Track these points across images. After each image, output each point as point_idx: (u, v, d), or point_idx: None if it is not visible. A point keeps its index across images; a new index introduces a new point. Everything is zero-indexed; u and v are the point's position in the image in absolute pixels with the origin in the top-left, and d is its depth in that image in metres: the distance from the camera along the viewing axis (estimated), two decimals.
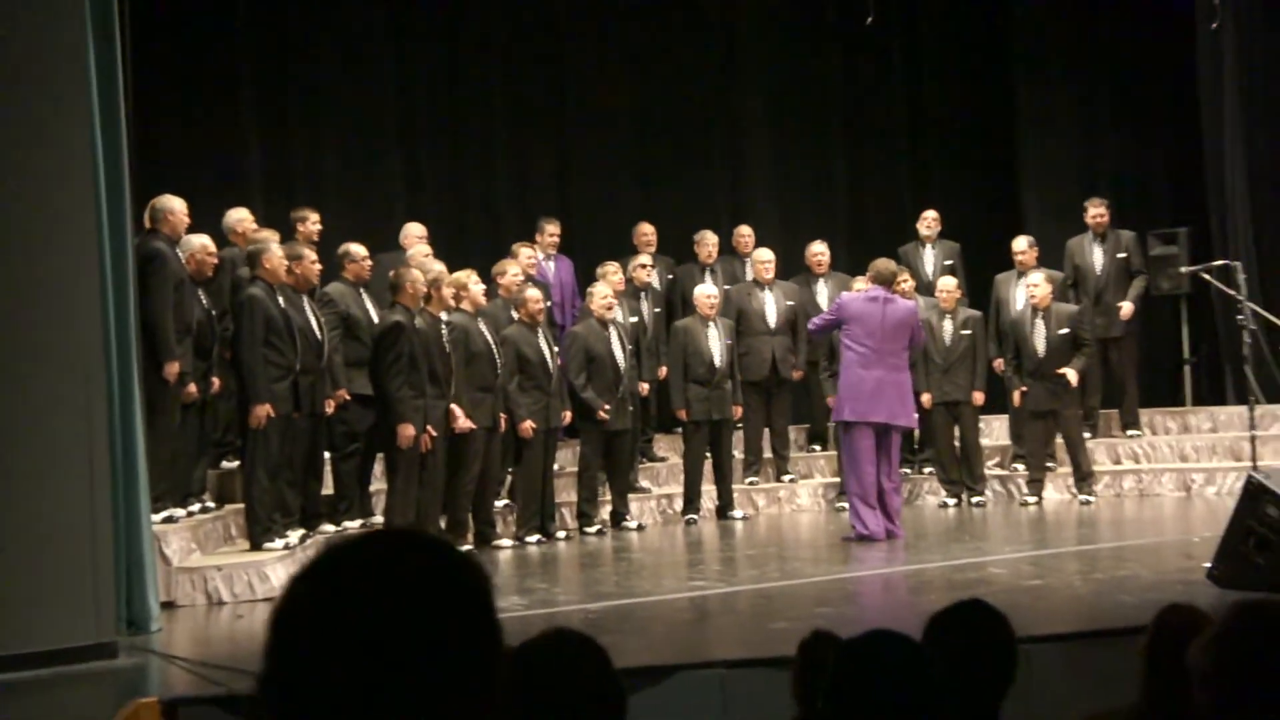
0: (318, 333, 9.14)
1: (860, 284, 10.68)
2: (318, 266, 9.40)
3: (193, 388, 8.75)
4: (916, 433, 11.80)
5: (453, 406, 9.53)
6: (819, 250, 12.29)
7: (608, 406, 10.57)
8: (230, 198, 10.65)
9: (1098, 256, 12.26)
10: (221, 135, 12.21)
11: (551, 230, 11.99)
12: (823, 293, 12.06)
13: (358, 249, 9.94)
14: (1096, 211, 12.26)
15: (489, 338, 10.00)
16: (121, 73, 7.15)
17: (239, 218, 9.99)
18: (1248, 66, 12.61)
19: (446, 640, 1.50)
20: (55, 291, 6.51)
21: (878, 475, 9.79)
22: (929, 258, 12.62)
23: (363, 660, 1.47)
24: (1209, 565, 7.23)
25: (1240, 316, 10.32)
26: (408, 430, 9.13)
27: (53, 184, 6.55)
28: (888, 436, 9.91)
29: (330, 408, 9.33)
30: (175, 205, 8.82)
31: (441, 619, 1.51)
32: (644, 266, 11.81)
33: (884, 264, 10.28)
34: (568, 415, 10.54)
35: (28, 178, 6.48)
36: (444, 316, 9.65)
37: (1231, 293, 10.60)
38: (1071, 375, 11.16)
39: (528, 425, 10.18)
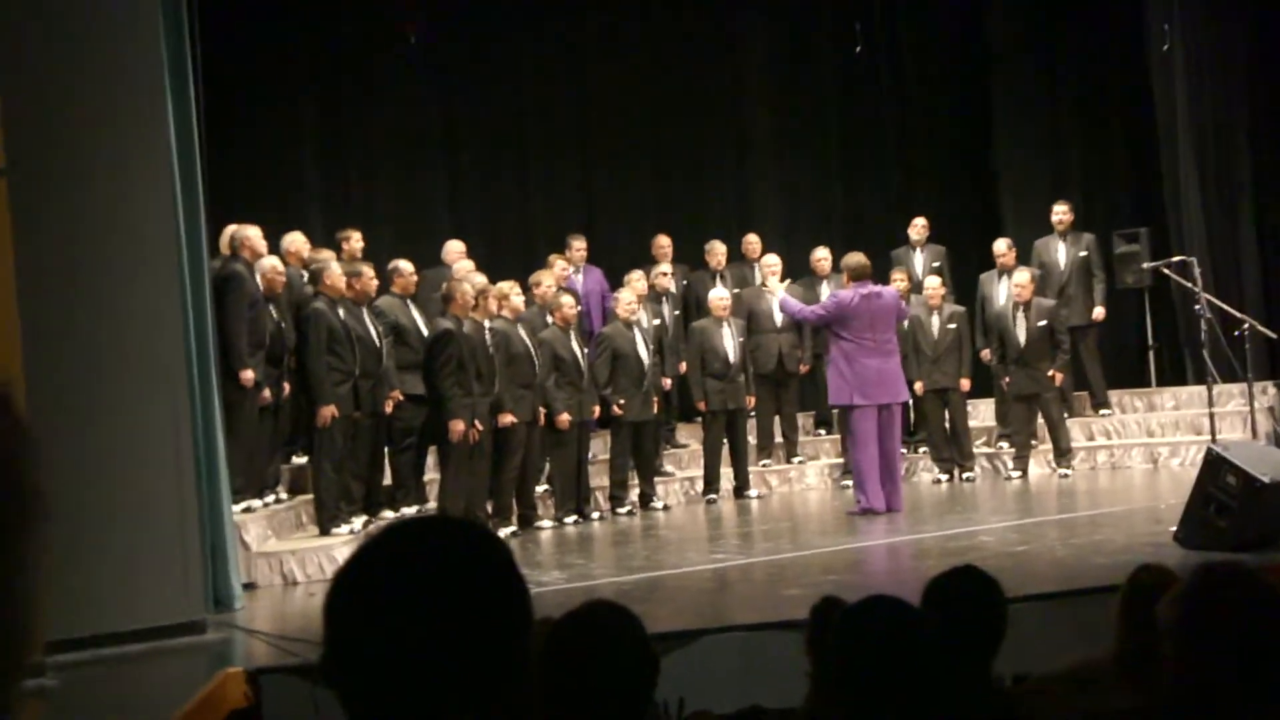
0: (376, 340, 9.19)
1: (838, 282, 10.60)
2: (375, 281, 9.45)
3: (266, 393, 8.81)
4: (912, 416, 11.80)
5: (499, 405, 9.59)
6: (822, 255, 12.28)
7: (622, 401, 10.58)
8: (289, 219, 10.69)
9: (1061, 254, 12.26)
10: (282, 163, 12.33)
11: (578, 245, 12.02)
12: (825, 293, 12.04)
13: (405, 265, 9.98)
14: (1061, 211, 12.29)
15: (528, 341, 10.03)
16: (195, 106, 7.19)
17: (292, 239, 10.04)
18: (1196, 83, 12.58)
19: (480, 611, 1.52)
20: (142, 310, 6.56)
21: (880, 454, 9.78)
22: (919, 260, 12.60)
23: (406, 631, 1.49)
24: (1175, 529, 7.21)
25: (1197, 306, 10.29)
26: (458, 425, 9.17)
27: (139, 215, 6.59)
28: (890, 415, 9.89)
29: (389, 407, 9.37)
30: (252, 233, 8.96)
31: (475, 592, 1.53)
32: (665, 274, 11.83)
33: (855, 260, 10.16)
34: (597, 409, 10.55)
35: (117, 209, 6.52)
36: (487, 323, 9.68)
37: (1189, 285, 10.56)
38: (1058, 377, 11.31)
39: (564, 418, 10.19)
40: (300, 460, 9.79)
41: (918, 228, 12.72)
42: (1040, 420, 11.55)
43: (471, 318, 9.49)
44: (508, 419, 9.67)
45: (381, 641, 1.50)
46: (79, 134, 6.49)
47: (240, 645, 6.33)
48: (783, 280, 11.88)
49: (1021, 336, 11.28)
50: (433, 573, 1.53)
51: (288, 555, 8.23)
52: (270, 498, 9.03)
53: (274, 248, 9.68)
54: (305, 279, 9.44)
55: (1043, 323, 11.27)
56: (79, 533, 6.23)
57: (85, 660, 6.00)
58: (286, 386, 9.19)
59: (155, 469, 6.45)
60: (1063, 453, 11.37)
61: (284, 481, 9.54)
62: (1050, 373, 11.27)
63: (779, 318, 11.84)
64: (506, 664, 1.54)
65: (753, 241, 12.59)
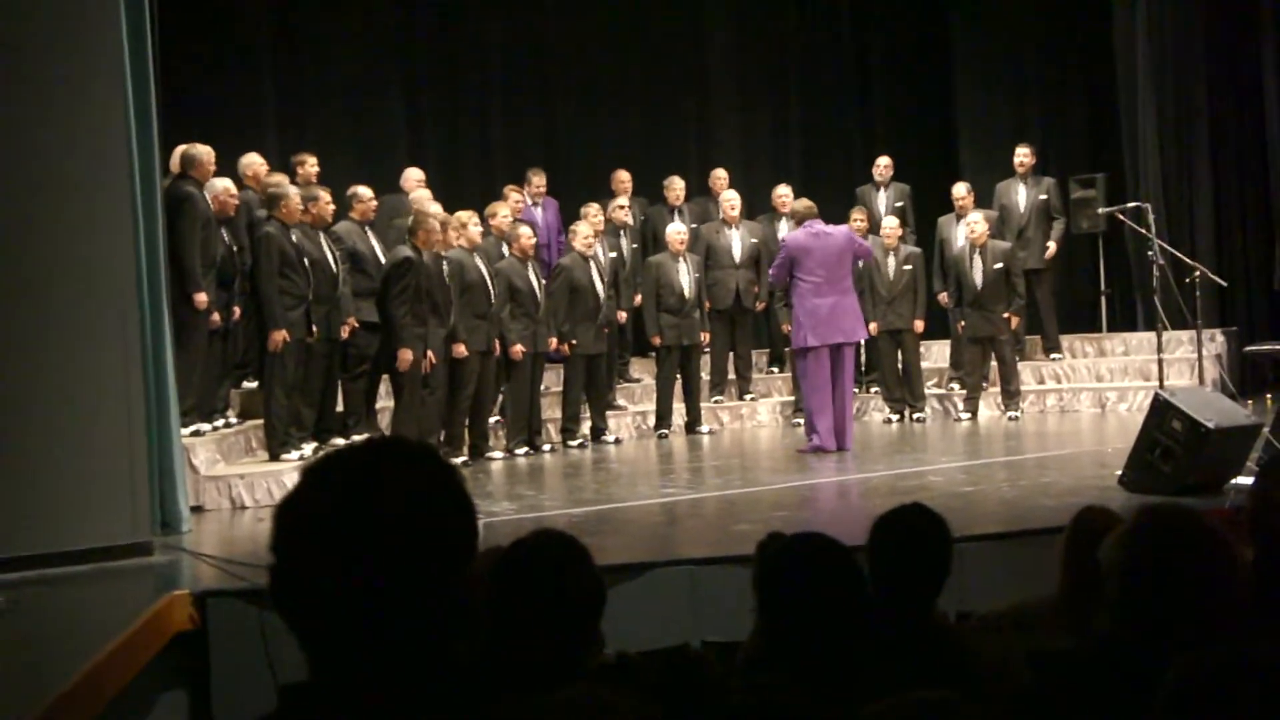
0: (333, 266, 9.12)
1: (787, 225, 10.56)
2: (331, 206, 9.36)
3: (216, 316, 8.73)
4: (864, 357, 11.85)
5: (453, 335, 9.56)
6: (783, 192, 12.26)
7: (574, 341, 10.57)
8: (246, 141, 10.57)
9: (1022, 196, 12.33)
10: (239, 85, 12.17)
11: (537, 181, 11.94)
12: (784, 230, 12.04)
13: (365, 191, 9.88)
14: (1023, 154, 12.34)
15: (484, 271, 9.98)
16: (150, 29, 7.06)
17: (251, 161, 9.97)
18: (1158, 30, 12.59)
19: (426, 534, 1.52)
20: (92, 230, 6.45)
21: (831, 392, 9.82)
22: (882, 199, 12.62)
23: (353, 553, 1.49)
24: (1120, 472, 7.29)
25: (1150, 253, 10.33)
26: (407, 355, 9.15)
27: (88, 133, 6.47)
28: (841, 355, 9.90)
29: (345, 333, 9.32)
30: (203, 153, 8.84)
31: (422, 515, 1.53)
32: (622, 208, 11.79)
33: (801, 204, 10.18)
34: (553, 341, 10.53)
35: (66, 128, 6.40)
36: (444, 253, 9.62)
37: (1143, 232, 10.60)
38: (1014, 321, 11.44)
39: (518, 349, 10.17)
40: (251, 385, 9.73)
41: (880, 167, 12.73)
42: (993, 363, 11.64)
43: (428, 247, 9.43)
44: (461, 350, 9.64)
45: (328, 564, 1.50)
46: (30, 52, 6.35)
47: (187, 568, 6.30)
48: (742, 218, 11.89)
49: (978, 279, 11.34)
50: (379, 495, 1.52)
51: (236, 480, 8.20)
52: (220, 422, 8.98)
53: (230, 170, 9.58)
54: (261, 202, 9.34)
55: (999, 265, 11.33)
56: (25, 451, 6.19)
57: (29, 580, 5.97)
58: (237, 310, 9.11)
59: (104, 390, 6.39)
60: (1012, 395, 11.47)
61: (235, 406, 9.49)
62: (1006, 315, 11.36)
63: (737, 253, 11.84)
64: (453, 585, 1.54)
65: (720, 176, 12.55)
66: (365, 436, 8.82)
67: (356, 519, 1.50)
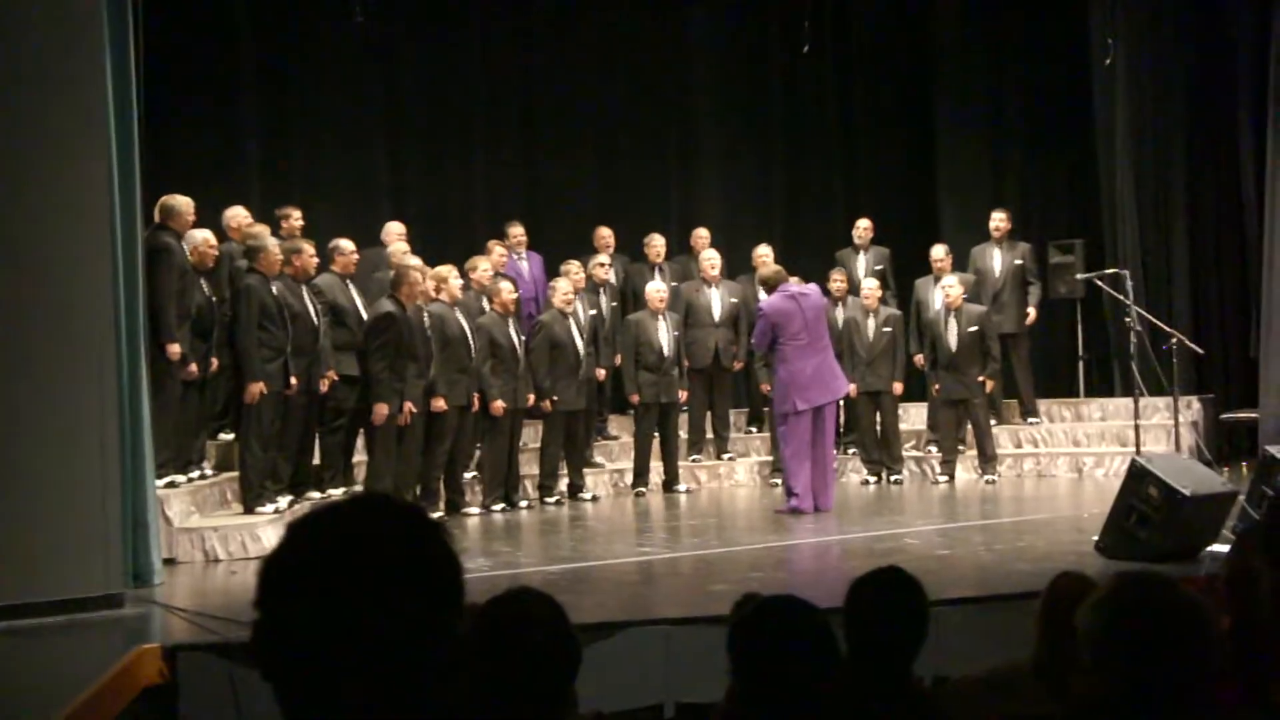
0: (314, 318, 9.12)
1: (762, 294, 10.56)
2: (315, 259, 9.38)
3: (193, 367, 8.71)
4: (842, 418, 11.85)
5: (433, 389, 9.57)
6: (763, 252, 12.29)
7: (555, 399, 10.57)
8: (230, 194, 10.60)
9: (997, 261, 12.39)
10: (223, 137, 12.19)
11: (515, 232, 11.98)
12: (763, 291, 12.07)
13: (346, 244, 9.89)
14: (999, 219, 12.42)
15: (465, 325, 9.99)
16: (135, 78, 7.10)
17: (234, 214, 10.00)
18: (1136, 98, 12.75)
19: (414, 591, 1.52)
20: (72, 279, 6.46)
21: (811, 453, 9.82)
22: (861, 262, 12.68)
23: (340, 608, 1.49)
24: (1096, 538, 7.30)
25: (1128, 319, 10.43)
26: (383, 409, 9.15)
27: (71, 182, 6.49)
28: (822, 415, 9.91)
29: (324, 386, 9.30)
30: (182, 203, 8.83)
31: (410, 572, 1.53)
32: (603, 265, 11.83)
33: (770, 270, 10.29)
34: (532, 398, 10.52)
35: (49, 176, 6.42)
36: (425, 307, 9.64)
37: (1121, 298, 10.70)
38: (989, 384, 11.47)
39: (499, 405, 10.16)
40: (228, 437, 9.69)
41: (860, 230, 12.80)
42: (969, 426, 11.67)
43: (410, 301, 9.45)
44: (440, 404, 9.63)
45: (314, 620, 1.49)
46: (15, 102, 6.38)
47: (158, 621, 6.26)
48: (723, 277, 11.95)
49: (952, 342, 11.39)
50: (365, 551, 1.52)
51: (210, 532, 8.14)
52: (195, 473, 8.93)
53: (214, 221, 9.59)
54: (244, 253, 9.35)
55: (974, 328, 11.39)
56: None
57: None
58: (214, 361, 9.09)
59: (79, 440, 6.36)
60: (988, 459, 11.49)
61: (211, 458, 9.44)
62: (980, 379, 11.40)
63: (717, 312, 11.88)
64: (438, 643, 1.54)
65: (702, 235, 12.59)
66: (349, 492, 8.79)
67: (342, 575, 1.50)
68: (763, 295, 11.28)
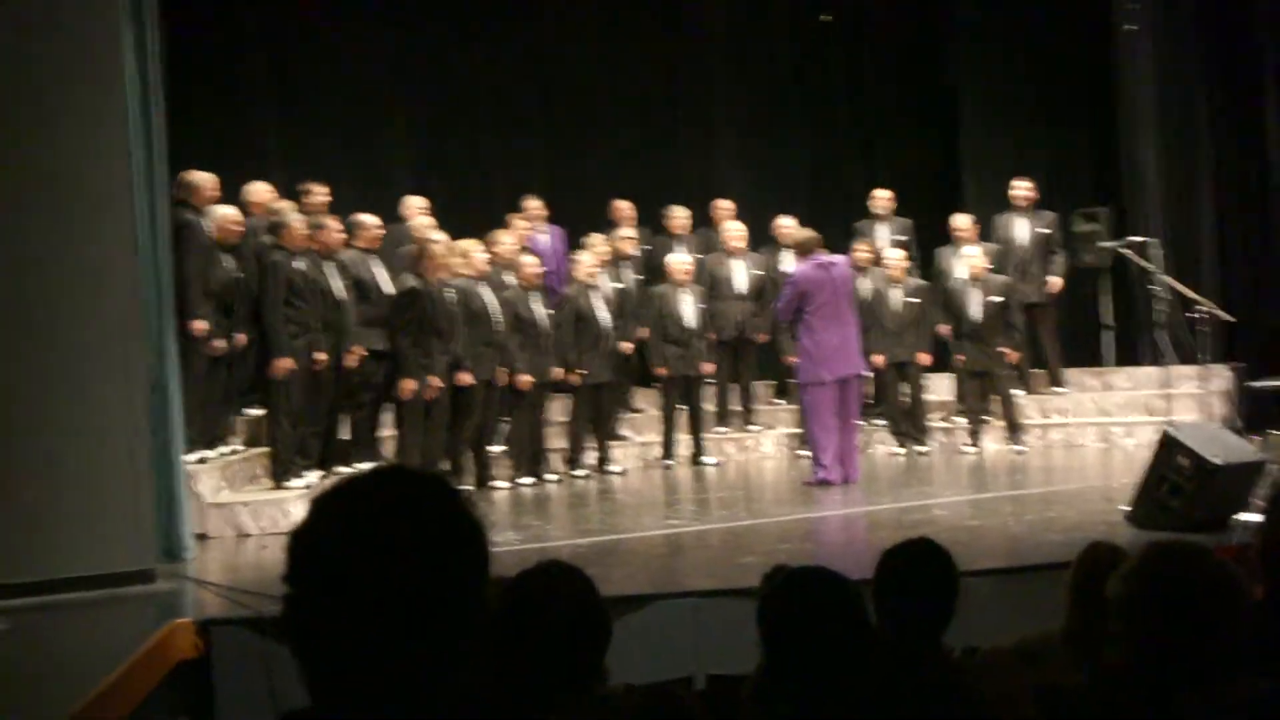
0: (340, 293, 9.14)
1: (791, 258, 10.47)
2: (341, 235, 9.38)
3: (219, 343, 8.73)
4: (871, 389, 11.83)
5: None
6: (785, 223, 12.26)
7: (584, 372, 10.56)
8: (249, 172, 10.60)
9: (1022, 231, 12.28)
10: (241, 115, 12.20)
11: (533, 205, 11.94)
12: (787, 262, 12.04)
13: (369, 219, 9.89)
14: (1023, 188, 12.31)
15: (490, 299, 10.00)
16: (156, 60, 7.11)
17: (255, 189, 9.99)
18: (1159, 63, 12.62)
19: (441, 561, 1.53)
20: (98, 258, 6.48)
21: (838, 425, 9.81)
22: (882, 233, 12.61)
23: (367, 579, 1.49)
24: (1126, 508, 7.28)
25: (1154, 287, 10.36)
26: (410, 384, 9.18)
27: (97, 160, 6.51)
28: (848, 386, 9.91)
29: (351, 361, 9.31)
30: (202, 179, 8.84)
31: (437, 542, 1.53)
32: (627, 238, 11.80)
33: (804, 235, 10.19)
34: (560, 371, 10.52)
35: (72, 157, 6.44)
36: (450, 281, 9.65)
37: (1147, 266, 10.63)
38: (1012, 356, 11.42)
39: (526, 378, 10.17)
40: (257, 412, 9.73)
41: (880, 200, 12.73)
42: (995, 395, 11.64)
43: (435, 276, 9.45)
44: (466, 378, 9.64)
45: (341, 593, 1.50)
46: (37, 82, 6.39)
47: (190, 596, 6.30)
48: (746, 249, 11.93)
49: (976, 312, 11.34)
50: (389, 523, 1.52)
51: (240, 507, 8.20)
52: (225, 449, 8.98)
53: (235, 198, 9.60)
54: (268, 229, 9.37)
55: (997, 299, 11.33)
56: (30, 477, 6.19)
57: (33, 606, 5.96)
58: (241, 337, 9.12)
59: (109, 416, 6.40)
60: (1015, 429, 11.46)
61: (241, 433, 9.49)
62: (1004, 351, 11.34)
63: (741, 284, 11.85)
64: (464, 612, 1.54)
65: (724, 207, 12.55)
66: (372, 465, 8.88)
67: (368, 547, 1.51)
68: (788, 264, 11.28)
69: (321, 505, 1.56)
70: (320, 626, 1.51)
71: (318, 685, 1.53)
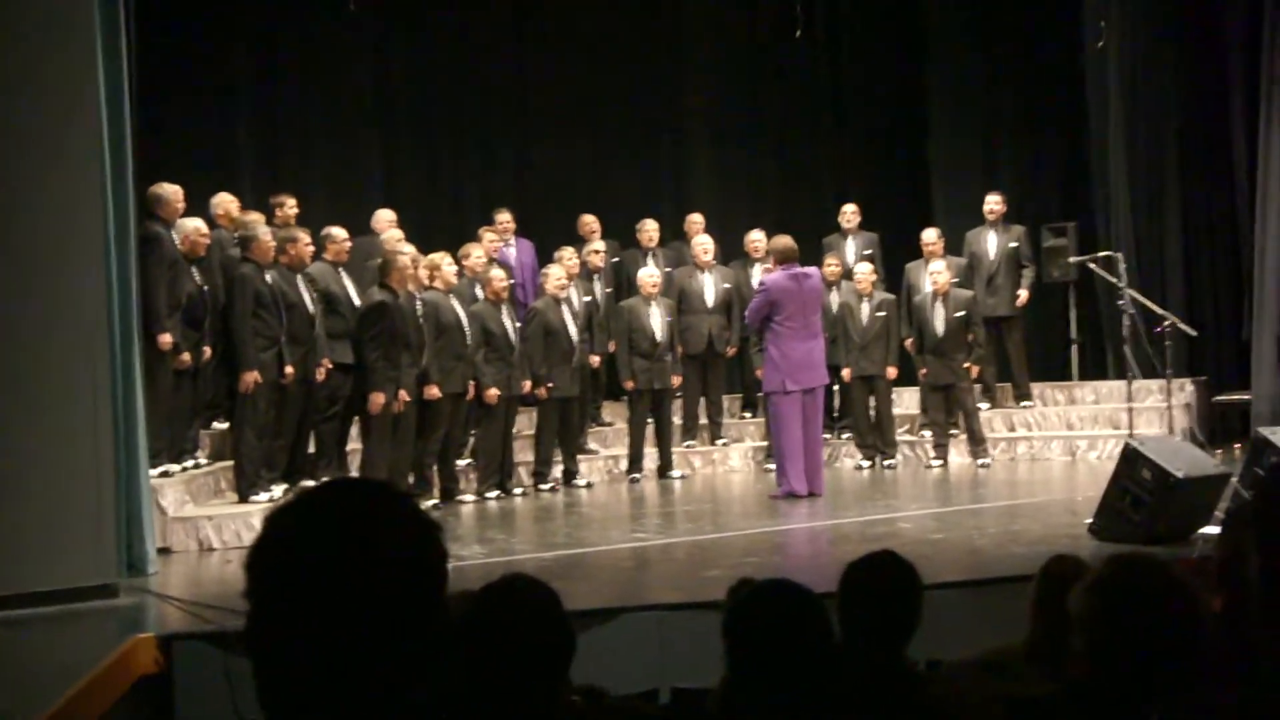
0: (309, 307, 9.11)
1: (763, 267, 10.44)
2: (311, 248, 9.36)
3: (185, 356, 8.69)
4: (836, 402, 11.87)
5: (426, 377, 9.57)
6: (756, 238, 12.30)
7: (551, 385, 10.54)
8: (221, 183, 10.56)
9: (991, 244, 12.37)
10: (215, 127, 12.17)
11: (503, 219, 11.98)
12: (757, 276, 12.08)
13: (338, 232, 9.87)
14: (993, 202, 12.40)
15: (460, 312, 9.99)
16: (127, 68, 7.08)
17: (221, 200, 9.96)
18: (1128, 80, 12.73)
19: (396, 573, 1.52)
20: (62, 271, 6.45)
21: (803, 438, 9.84)
22: (850, 247, 12.66)
23: (323, 594, 1.49)
24: (1090, 521, 7.32)
25: (1121, 302, 10.44)
26: (379, 398, 9.14)
27: (64, 172, 6.47)
28: (813, 398, 9.94)
29: (320, 375, 9.28)
30: (170, 192, 8.83)
31: (391, 554, 1.53)
32: (597, 252, 11.82)
33: (783, 243, 10.18)
34: (527, 385, 10.51)
35: (41, 168, 6.40)
36: (418, 295, 9.63)
37: (1114, 280, 10.71)
38: (974, 370, 11.49)
39: (493, 392, 10.16)
40: (222, 425, 9.68)
41: (847, 215, 12.79)
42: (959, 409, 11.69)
43: (403, 288, 9.43)
44: (434, 392, 9.62)
45: (298, 609, 1.50)
46: (6, 91, 6.35)
47: (153, 611, 6.26)
48: (716, 263, 11.96)
49: (939, 326, 11.39)
50: (341, 537, 1.52)
51: (204, 521, 8.15)
52: (189, 462, 8.93)
53: (203, 210, 9.57)
54: (235, 241, 9.33)
55: (960, 313, 11.39)
56: None
57: None
58: (207, 350, 9.09)
59: (72, 430, 6.36)
60: (978, 442, 11.50)
61: (206, 447, 9.44)
62: (966, 365, 11.38)
63: (710, 298, 11.87)
64: (422, 626, 1.54)
65: (695, 221, 12.58)
66: (324, 479, 8.83)
67: (321, 562, 1.50)
68: (757, 278, 11.30)
69: (272, 522, 1.56)
70: (278, 642, 1.51)
71: (274, 701, 1.53)
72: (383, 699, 1.51)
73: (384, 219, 11.12)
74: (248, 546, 1.56)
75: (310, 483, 9.15)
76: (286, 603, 1.50)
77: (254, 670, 1.52)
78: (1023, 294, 12.22)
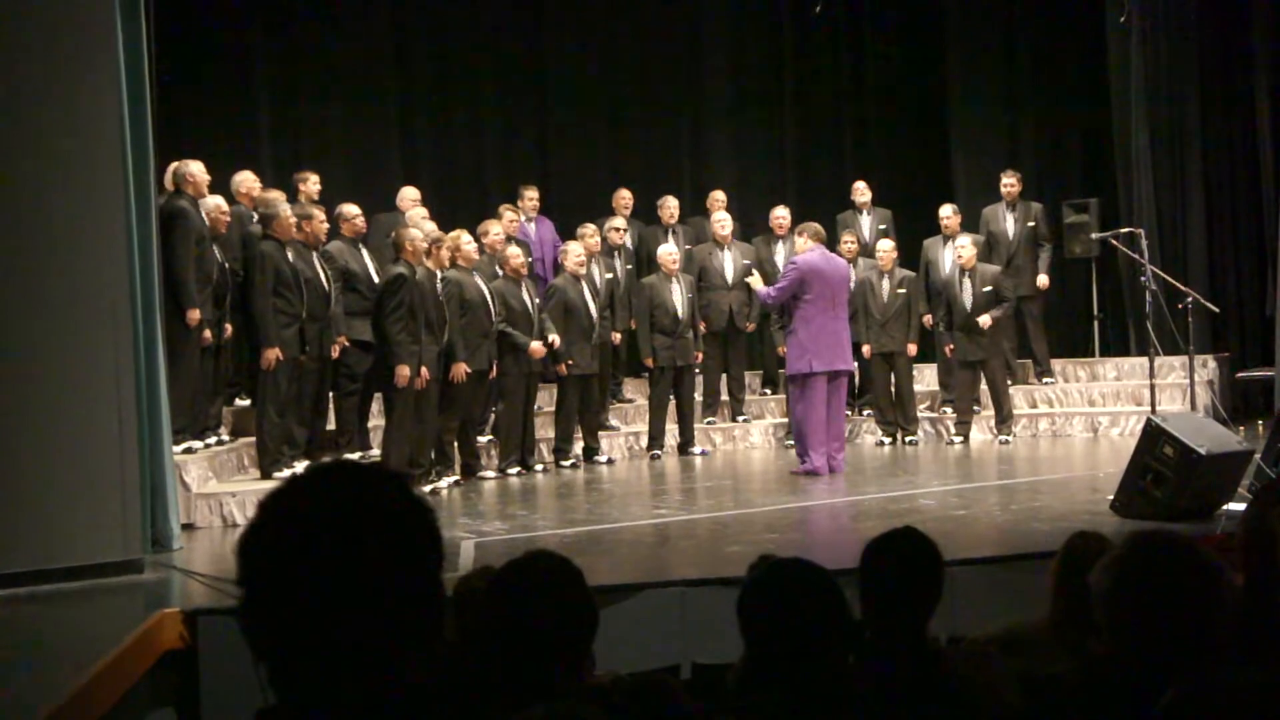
0: (325, 284, 9.13)
1: (801, 242, 10.40)
2: (326, 225, 9.38)
3: (208, 333, 8.74)
4: (856, 379, 11.85)
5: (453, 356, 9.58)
6: (781, 214, 12.29)
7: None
8: (240, 161, 10.58)
9: (1009, 224, 12.34)
10: (234, 103, 12.21)
11: (530, 195, 11.98)
12: (780, 253, 12.08)
13: (351, 209, 9.87)
14: (1008, 182, 12.38)
15: (484, 289, 9.98)
16: (146, 45, 7.08)
17: (242, 178, 9.99)
18: (1151, 54, 12.67)
19: (391, 555, 1.52)
20: (85, 248, 6.45)
21: (825, 415, 9.84)
22: (865, 223, 12.64)
23: (318, 578, 1.49)
24: (1112, 497, 7.30)
25: (1143, 278, 10.38)
26: (404, 371, 9.12)
27: (84, 148, 6.48)
28: (838, 379, 9.96)
29: (335, 352, 9.32)
30: (196, 169, 8.87)
31: (385, 536, 1.53)
32: (617, 229, 11.81)
33: (816, 225, 10.22)
34: (538, 345, 10.47)
35: (62, 144, 6.41)
36: (439, 272, 9.63)
37: (1136, 257, 10.65)
38: (984, 319, 11.30)
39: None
40: (243, 403, 9.73)
41: (859, 190, 12.75)
42: (984, 386, 11.66)
43: (425, 266, 9.42)
44: (461, 371, 9.61)
45: (292, 593, 1.50)
46: (24, 70, 6.36)
47: (177, 586, 6.29)
48: (735, 239, 11.94)
49: (968, 302, 11.36)
50: (334, 520, 1.52)
51: (228, 497, 8.19)
52: (212, 439, 8.98)
53: (223, 187, 9.59)
54: (255, 219, 9.35)
55: (988, 288, 11.36)
56: (17, 468, 6.18)
57: (19, 596, 5.96)
58: (228, 328, 9.12)
59: (96, 407, 6.38)
60: (1004, 419, 11.49)
61: (227, 423, 9.48)
62: (981, 320, 11.28)
63: (730, 275, 11.86)
64: (419, 607, 1.54)
65: (716, 198, 12.55)
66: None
67: (312, 545, 1.50)
68: (780, 255, 11.30)
69: (264, 508, 1.56)
70: (274, 627, 1.51)
71: (281, 683, 1.53)
72: (380, 679, 1.51)
73: (408, 197, 11.14)
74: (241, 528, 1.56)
75: (331, 459, 9.18)
76: (279, 587, 1.50)
77: (252, 653, 1.53)
78: (1043, 278, 12.21)
